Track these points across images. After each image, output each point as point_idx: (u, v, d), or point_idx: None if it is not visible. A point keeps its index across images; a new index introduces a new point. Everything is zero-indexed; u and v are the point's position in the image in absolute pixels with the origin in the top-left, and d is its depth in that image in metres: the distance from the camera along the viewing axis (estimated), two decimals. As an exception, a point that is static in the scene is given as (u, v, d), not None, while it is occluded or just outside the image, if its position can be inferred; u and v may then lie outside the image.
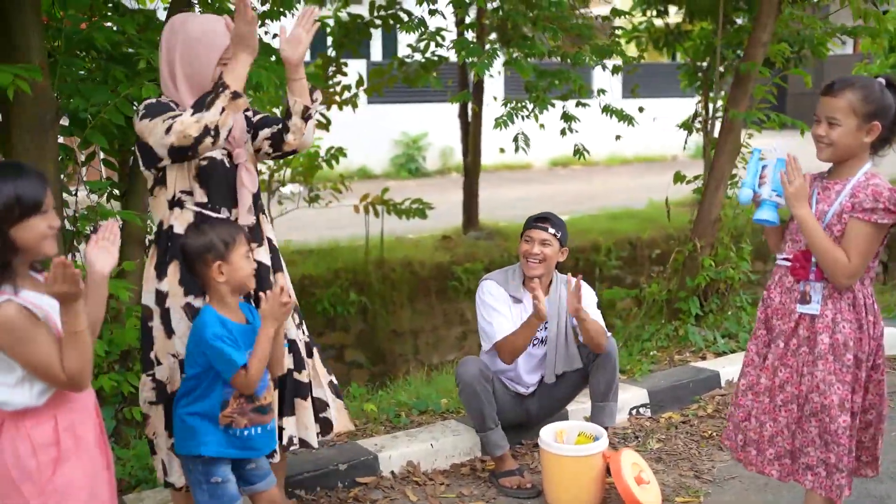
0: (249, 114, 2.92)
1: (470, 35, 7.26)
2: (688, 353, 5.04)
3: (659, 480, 3.54)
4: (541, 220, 3.64)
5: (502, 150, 5.78)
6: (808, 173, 2.71)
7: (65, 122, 3.87)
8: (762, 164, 2.65)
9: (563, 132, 5.44)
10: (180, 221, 2.69)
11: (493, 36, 8.04)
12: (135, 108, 2.80)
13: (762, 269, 9.96)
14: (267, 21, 4.90)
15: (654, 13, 7.11)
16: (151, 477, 3.41)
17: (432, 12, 5.08)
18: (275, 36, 4.91)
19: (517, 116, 4.97)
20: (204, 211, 2.70)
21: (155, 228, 2.78)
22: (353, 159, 15.12)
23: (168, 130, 2.54)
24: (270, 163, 8.49)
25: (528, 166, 16.19)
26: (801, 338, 2.60)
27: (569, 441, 3.46)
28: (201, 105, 2.56)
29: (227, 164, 2.75)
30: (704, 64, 6.23)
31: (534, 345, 3.66)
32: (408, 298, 8.40)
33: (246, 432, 2.57)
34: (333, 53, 7.84)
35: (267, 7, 4.90)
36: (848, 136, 2.53)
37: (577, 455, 3.32)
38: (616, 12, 5.83)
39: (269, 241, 2.90)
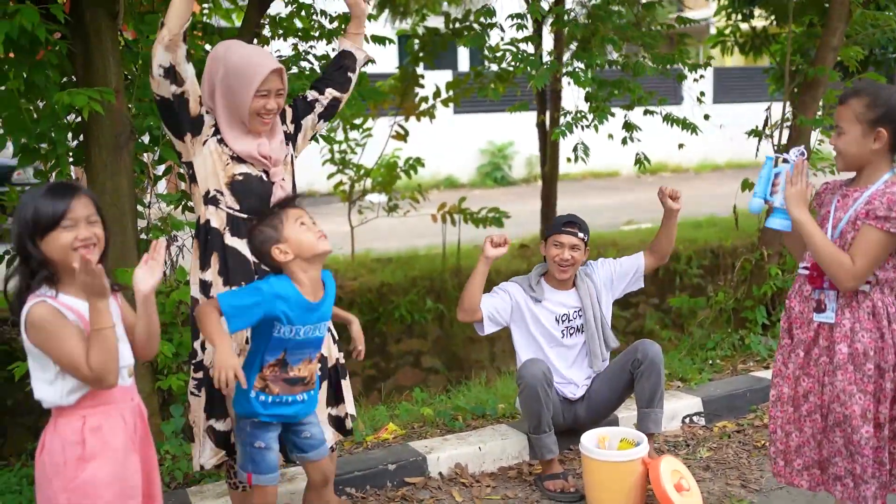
0: (286, 128, 3.08)
1: (548, 47, 7.36)
2: (752, 363, 4.98)
3: (704, 489, 3.55)
4: (569, 224, 3.74)
5: (569, 160, 5.82)
6: (835, 180, 2.70)
7: (146, 139, 4.17)
8: (775, 171, 2.65)
9: (623, 141, 5.46)
10: (216, 219, 2.89)
11: (573, 46, 8.11)
12: None
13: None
14: (334, 38, 5.09)
15: (740, 17, 7.03)
16: (215, 472, 3.63)
17: (490, 26, 5.18)
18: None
19: (576, 126, 5.02)
20: (235, 214, 2.89)
21: (196, 225, 2.97)
22: (440, 168, 15.43)
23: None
24: (351, 173, 8.79)
25: (616, 174, 16.09)
26: (821, 347, 2.60)
27: (611, 447, 3.50)
28: None
29: (265, 180, 2.93)
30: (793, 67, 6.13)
31: (571, 334, 3.77)
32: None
33: (277, 399, 2.71)
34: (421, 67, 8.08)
35: (335, 25, 5.11)
36: (853, 144, 2.52)
37: (616, 460, 3.37)
38: (682, 20, 5.80)
39: None
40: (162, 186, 4.99)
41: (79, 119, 3.84)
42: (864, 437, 2.51)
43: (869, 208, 2.50)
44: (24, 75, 3.65)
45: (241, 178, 2.89)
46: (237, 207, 2.89)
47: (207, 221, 2.90)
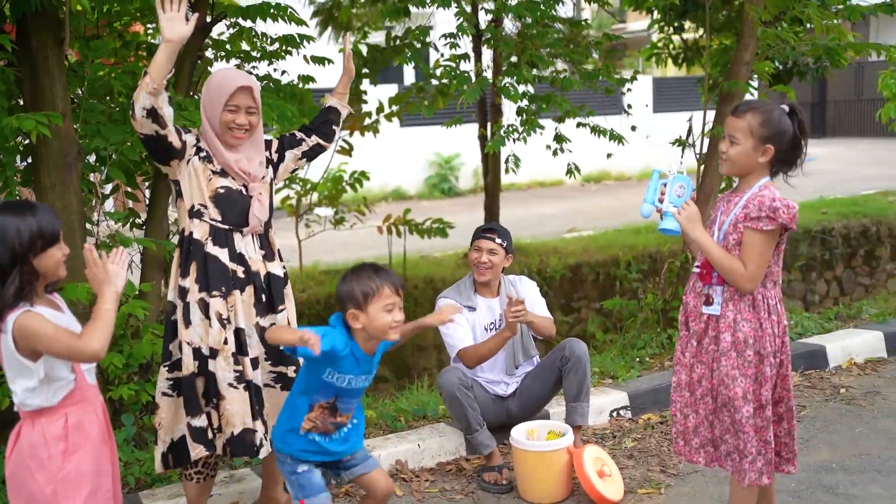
0: (268, 153, 3.38)
1: (487, 61, 7.66)
2: (678, 359, 5.28)
3: (627, 475, 3.82)
4: (488, 231, 4.02)
5: (507, 171, 6.11)
6: (726, 193, 2.98)
7: (92, 158, 4.32)
8: (662, 182, 2.93)
9: (554, 153, 5.75)
10: (199, 230, 3.15)
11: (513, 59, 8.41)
12: None
13: (784, 279, 10.11)
14: (275, 59, 5.29)
15: (672, 30, 7.38)
16: (166, 475, 3.81)
17: (426, 44, 5.42)
18: (283, 73, 5.37)
19: (509, 139, 5.30)
20: (218, 225, 3.15)
21: (179, 235, 3.23)
22: (387, 181, 15.66)
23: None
24: (298, 187, 8.97)
25: (560, 183, 16.45)
26: (710, 337, 2.87)
27: (539, 438, 3.76)
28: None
29: (244, 193, 3.21)
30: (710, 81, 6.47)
31: None
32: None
33: (319, 437, 2.93)
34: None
35: (276, 46, 5.32)
36: (744, 155, 2.80)
37: (543, 450, 3.62)
38: (608, 37, 6.13)
39: (280, 255, 3.37)
40: (109, 205, 5.14)
41: (27, 141, 4.00)
42: (745, 416, 2.79)
43: (746, 212, 2.79)
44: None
45: (222, 191, 3.15)
46: (219, 219, 3.15)
47: (191, 233, 3.15)
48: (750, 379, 2.80)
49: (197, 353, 3.12)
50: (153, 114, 2.96)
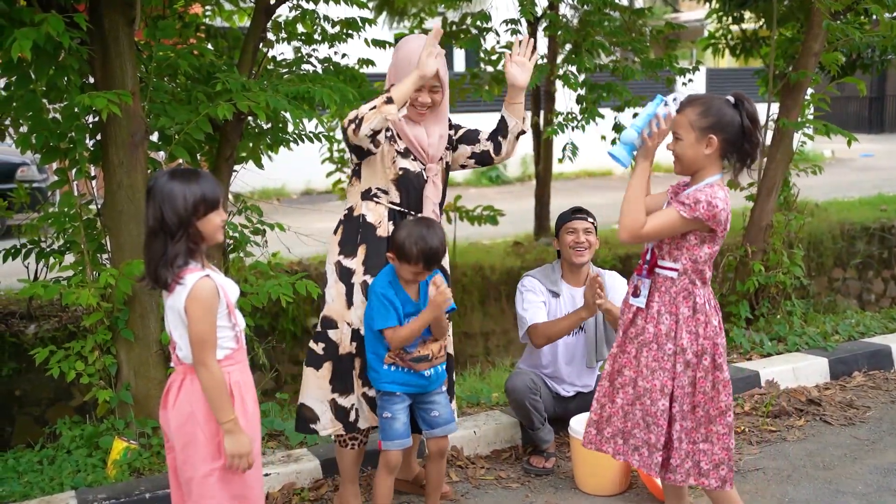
0: (452, 132, 3.37)
1: (543, 49, 7.59)
2: (735, 355, 5.20)
3: (686, 470, 3.76)
4: (579, 211, 3.93)
5: (560, 161, 6.05)
6: (681, 181, 2.88)
7: (154, 137, 4.37)
8: (658, 111, 2.75)
9: (613, 142, 5.67)
10: (374, 214, 3.18)
11: (567, 49, 8.33)
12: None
13: (840, 276, 9.91)
14: (336, 42, 5.30)
15: (730, 20, 7.25)
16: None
17: (486, 30, 5.38)
18: (344, 55, 5.36)
19: (567, 127, 5.24)
20: (396, 208, 3.18)
21: (346, 211, 3.26)
22: (435, 167, 15.63)
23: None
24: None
25: (609, 174, 16.30)
26: (638, 327, 2.85)
27: (598, 430, 3.72)
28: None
29: (424, 177, 3.23)
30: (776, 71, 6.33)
31: (575, 333, 3.93)
32: (478, 301, 8.72)
33: (406, 371, 3.10)
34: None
35: (336, 30, 5.32)
36: (688, 149, 2.73)
37: (602, 442, 3.58)
38: (671, 26, 6.03)
39: None
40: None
41: (96, 119, 4.05)
42: (660, 409, 2.77)
43: (680, 197, 2.73)
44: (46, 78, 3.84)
45: (401, 172, 3.16)
46: (398, 201, 3.18)
47: (363, 216, 3.18)
48: (668, 372, 2.77)
49: (356, 334, 3.19)
50: (376, 133, 3.01)
